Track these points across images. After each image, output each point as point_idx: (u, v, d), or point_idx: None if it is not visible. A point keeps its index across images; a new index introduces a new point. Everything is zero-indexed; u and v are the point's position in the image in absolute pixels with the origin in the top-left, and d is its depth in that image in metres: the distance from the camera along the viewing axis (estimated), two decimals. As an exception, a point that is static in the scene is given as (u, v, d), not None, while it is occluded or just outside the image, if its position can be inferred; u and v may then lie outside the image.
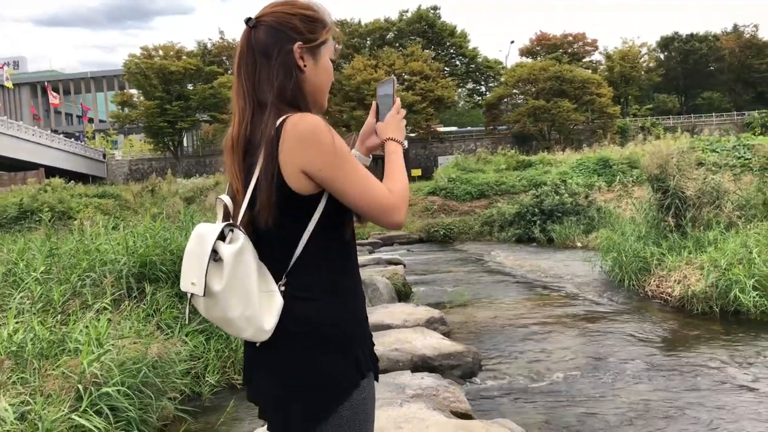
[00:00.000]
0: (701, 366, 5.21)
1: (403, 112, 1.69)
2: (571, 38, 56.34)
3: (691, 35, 60.00)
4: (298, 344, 1.46)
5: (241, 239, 1.45)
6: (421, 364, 5.00)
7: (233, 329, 1.47)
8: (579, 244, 14.66)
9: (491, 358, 5.74)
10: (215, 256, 1.43)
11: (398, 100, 1.68)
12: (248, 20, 1.54)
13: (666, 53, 61.34)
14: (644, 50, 57.60)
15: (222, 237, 1.45)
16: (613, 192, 19.51)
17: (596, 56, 57.95)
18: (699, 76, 59.57)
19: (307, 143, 1.40)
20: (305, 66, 1.53)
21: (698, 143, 23.26)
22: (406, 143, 1.66)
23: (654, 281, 8.05)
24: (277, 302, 1.46)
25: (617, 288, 8.75)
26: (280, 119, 1.43)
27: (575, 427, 4.10)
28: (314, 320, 1.46)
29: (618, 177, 19.83)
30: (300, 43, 1.51)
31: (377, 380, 1.64)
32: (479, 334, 6.70)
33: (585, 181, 20.95)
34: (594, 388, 4.83)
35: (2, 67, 60.23)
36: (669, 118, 52.51)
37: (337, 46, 1.62)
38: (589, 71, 51.81)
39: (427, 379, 4.42)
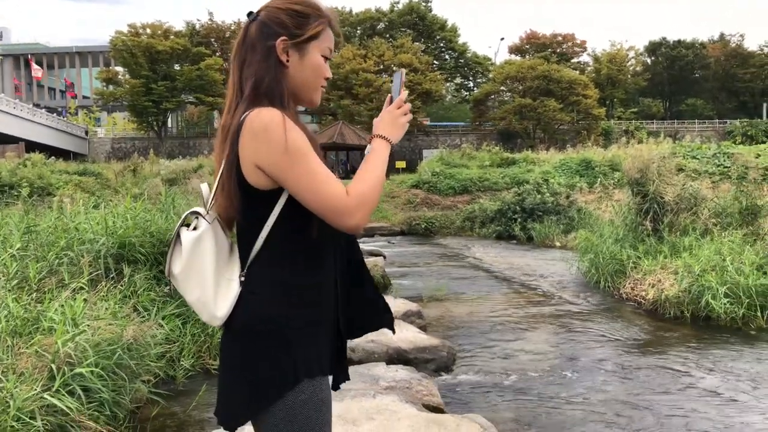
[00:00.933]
0: (670, 369, 5.32)
1: (407, 106, 1.63)
2: (560, 38, 56.67)
3: (679, 41, 60.62)
4: (237, 337, 1.49)
5: (202, 227, 1.51)
6: (396, 357, 5.05)
7: (195, 311, 1.55)
8: (558, 244, 14.81)
9: (466, 353, 5.81)
10: (178, 240, 1.52)
11: (403, 94, 1.63)
12: (250, 14, 1.58)
13: (653, 58, 61.93)
14: (632, 54, 58.16)
15: (188, 224, 1.53)
16: (594, 193, 19.71)
17: (584, 57, 58.48)
18: (684, 82, 60.27)
19: (258, 139, 1.42)
20: (288, 61, 1.54)
21: (680, 149, 23.57)
22: (394, 140, 1.58)
23: (629, 284, 8.17)
24: (233, 291, 1.50)
25: (593, 289, 8.88)
26: (246, 113, 1.46)
27: (544, 424, 4.18)
28: (252, 315, 1.47)
29: (599, 179, 20.07)
30: (284, 37, 1.52)
31: (342, 381, 1.66)
32: (455, 329, 6.77)
33: (567, 182, 21.12)
34: (564, 386, 4.91)
35: (-16, 37, 59.06)
36: (653, 122, 53.09)
37: (333, 39, 1.61)
38: (577, 72, 52.18)
39: (401, 372, 4.47)
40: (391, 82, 1.71)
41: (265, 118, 1.42)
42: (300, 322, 1.48)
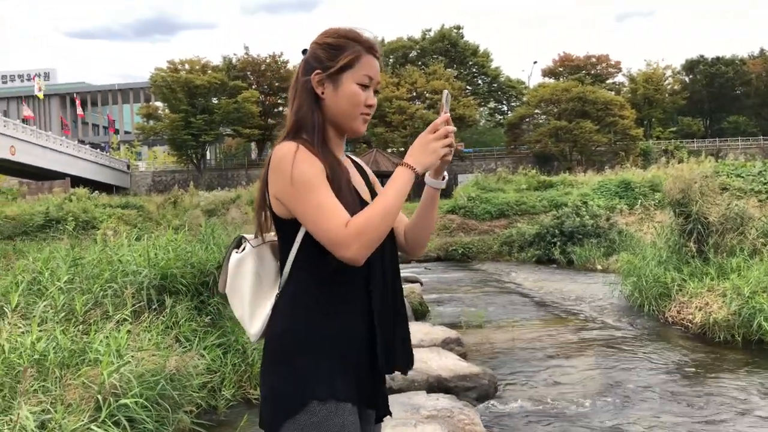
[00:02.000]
0: (723, 395, 5.12)
1: (444, 130, 1.52)
2: (594, 60, 56.31)
3: (717, 58, 59.55)
4: (263, 354, 1.59)
5: (246, 250, 1.64)
6: (437, 385, 4.98)
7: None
8: (599, 267, 14.52)
9: (507, 381, 5.70)
10: (227, 261, 1.67)
11: (442, 117, 1.53)
12: (303, 51, 1.65)
13: (691, 76, 60.89)
14: (669, 73, 57.33)
15: (238, 245, 1.67)
16: (634, 215, 19.33)
17: (620, 78, 57.83)
18: (724, 99, 59.03)
19: (275, 171, 1.51)
20: (323, 93, 1.58)
21: (723, 168, 23.00)
22: (420, 167, 1.49)
23: (675, 307, 7.94)
24: (266, 310, 1.59)
25: (637, 313, 8.65)
26: (277, 145, 1.56)
27: (591, 454, 4.05)
28: (272, 333, 1.57)
29: (640, 200, 19.68)
30: (318, 71, 1.57)
31: (383, 416, 1.64)
32: (496, 356, 6.66)
33: (606, 204, 20.79)
34: (611, 415, 4.77)
35: (33, 78, 61.63)
36: (693, 141, 52.07)
37: (375, 65, 1.59)
38: (613, 93, 51.65)
39: (442, 401, 4.40)
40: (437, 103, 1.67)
41: (280, 152, 1.50)
42: (316, 344, 1.51)
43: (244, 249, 1.65)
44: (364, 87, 1.58)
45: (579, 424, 4.60)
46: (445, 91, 1.59)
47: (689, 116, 60.50)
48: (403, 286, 1.72)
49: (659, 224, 11.08)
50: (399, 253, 1.73)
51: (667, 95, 55.80)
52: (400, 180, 1.47)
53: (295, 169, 1.46)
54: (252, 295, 1.61)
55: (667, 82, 56.91)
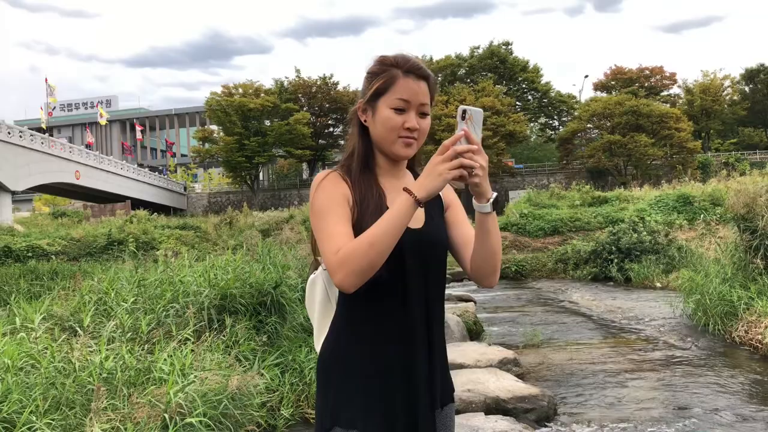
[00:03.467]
0: (797, 420, 4.88)
1: (452, 151, 1.39)
2: (647, 72, 55.03)
3: (779, 66, 57.32)
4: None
5: (318, 272, 1.73)
6: (495, 407, 4.92)
7: None
8: (658, 285, 14.09)
9: (567, 402, 5.58)
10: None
11: (454, 136, 1.42)
12: None
13: (751, 85, 58.76)
14: (727, 83, 55.43)
15: (316, 267, 1.76)
16: (695, 231, 18.70)
17: (675, 90, 56.26)
18: (788, 108, 56.69)
19: (310, 197, 1.61)
20: (365, 121, 1.63)
21: (788, 180, 22.04)
22: (420, 193, 1.40)
23: (742, 327, 7.63)
24: (327, 330, 1.67)
25: (701, 332, 8.34)
26: None
27: (658, 480, 3.92)
28: (320, 352, 1.65)
29: (702, 215, 19.03)
30: (361, 99, 1.64)
31: None
32: (554, 377, 6.52)
33: (664, 219, 20.18)
34: (678, 439, 4.60)
35: (96, 106, 64.44)
36: (755, 152, 50.12)
37: (412, 87, 1.56)
38: (668, 105, 50.31)
39: (501, 423, 4.35)
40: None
41: (315, 180, 1.61)
42: (347, 371, 1.55)
43: (316, 270, 1.74)
44: (400, 111, 1.56)
45: (644, 448, 4.45)
46: (461, 107, 1.45)
47: (750, 127, 58.31)
48: (449, 307, 1.74)
49: (722, 240, 10.69)
50: (448, 273, 1.73)
51: (726, 106, 53.96)
52: (397, 206, 1.41)
53: (315, 197, 1.55)
54: (319, 314, 1.69)
55: (725, 92, 55.02)
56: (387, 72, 1.57)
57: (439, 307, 1.64)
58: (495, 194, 1.48)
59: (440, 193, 1.52)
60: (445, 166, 1.39)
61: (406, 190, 1.41)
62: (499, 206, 1.54)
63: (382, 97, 1.57)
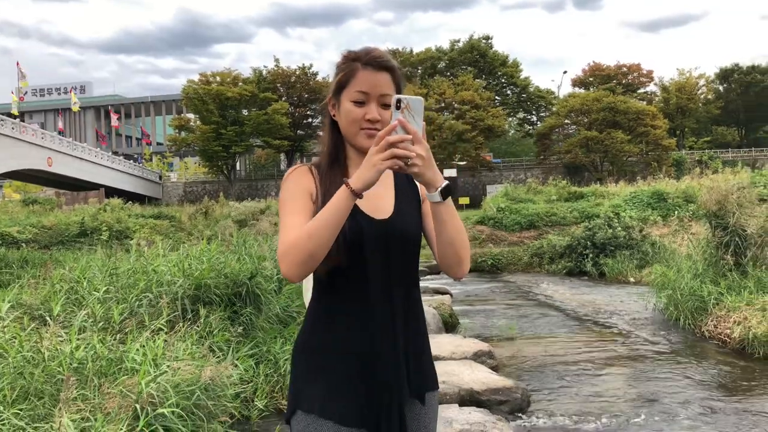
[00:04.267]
0: (762, 412, 4.99)
1: (385, 141, 1.38)
2: (625, 69, 55.64)
3: (753, 67, 58.38)
4: None
5: None
6: (469, 399, 4.95)
7: None
8: (632, 280, 14.29)
9: (540, 394, 5.63)
10: None
11: (391, 125, 1.39)
12: None
13: (725, 85, 59.78)
14: (702, 81, 56.32)
15: None
16: (668, 227, 18.99)
17: (651, 87, 57.00)
18: (761, 108, 57.76)
19: None
20: (334, 115, 1.67)
21: (759, 178, 22.49)
22: (354, 185, 1.39)
23: (711, 321, 7.77)
24: None
25: (672, 327, 8.49)
26: None
27: (628, 471, 3.97)
28: (295, 339, 1.72)
29: (676, 212, 19.33)
30: (329, 96, 1.67)
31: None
32: (528, 370, 6.58)
33: (639, 215, 20.45)
34: (648, 430, 4.68)
35: (70, 92, 63.26)
36: (728, 151, 51.08)
37: (370, 79, 1.56)
38: (644, 102, 50.95)
39: (474, 414, 4.37)
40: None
41: (286, 174, 1.66)
42: (312, 357, 1.59)
43: None
44: (360, 103, 1.57)
45: (614, 440, 4.52)
46: (395, 96, 1.41)
47: (724, 126, 59.36)
48: (425, 299, 1.73)
49: (694, 236, 10.86)
50: (424, 266, 1.71)
51: (700, 104, 54.84)
52: (334, 198, 1.43)
53: (281, 190, 1.61)
54: (309, 298, 1.74)
55: (700, 91, 55.91)
56: (347, 65, 1.59)
57: (408, 296, 1.63)
58: (445, 183, 1.45)
59: (417, 183, 1.56)
60: (378, 157, 1.38)
61: (344, 182, 1.42)
62: (454, 195, 1.55)
63: (343, 90, 1.59)
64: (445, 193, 1.46)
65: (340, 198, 1.41)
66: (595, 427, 4.80)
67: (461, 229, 1.55)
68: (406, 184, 1.70)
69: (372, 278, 1.56)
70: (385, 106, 1.57)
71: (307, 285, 1.75)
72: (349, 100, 1.58)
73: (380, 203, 1.62)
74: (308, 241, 1.41)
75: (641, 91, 56.57)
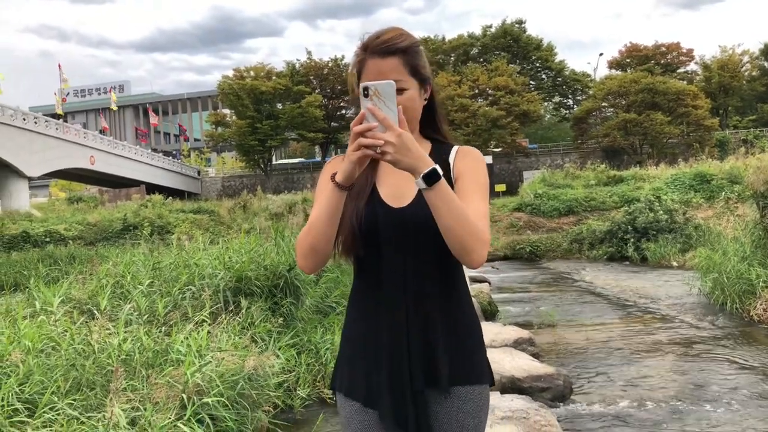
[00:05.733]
0: (816, 398, 4.84)
1: (353, 131, 1.38)
2: (664, 49, 54.09)
3: (799, 41, 56.09)
4: None
5: None
6: (510, 386, 4.92)
7: None
8: (675, 264, 13.99)
9: (583, 381, 5.57)
10: None
11: (360, 115, 1.38)
12: None
13: (771, 61, 57.61)
14: (746, 58, 54.38)
15: None
16: (713, 209, 18.51)
17: (692, 66, 55.29)
18: (808, 84, 55.53)
19: None
20: None
21: (808, 157, 21.70)
22: (340, 178, 1.41)
23: (760, 305, 7.56)
24: None
25: (718, 311, 8.28)
26: None
27: (675, 458, 3.91)
28: None
29: (723, 193, 18.81)
30: (354, 88, 1.64)
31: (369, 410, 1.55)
32: (569, 357, 6.52)
33: (681, 198, 20.00)
34: (693, 419, 4.58)
35: (109, 91, 64.69)
36: (775, 129, 49.31)
37: (373, 67, 1.53)
38: (684, 82, 49.52)
39: (517, 401, 4.34)
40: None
41: None
42: (343, 343, 1.66)
43: None
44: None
45: (658, 426, 4.44)
46: (362, 84, 1.38)
47: (770, 103, 57.30)
48: (469, 285, 1.69)
49: (741, 218, 10.56)
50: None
51: (744, 82, 52.95)
52: (327, 191, 1.45)
53: (319, 178, 1.62)
54: None
55: (744, 68, 53.98)
56: (358, 56, 1.59)
57: (433, 284, 1.56)
58: (431, 167, 1.37)
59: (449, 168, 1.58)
60: (350, 148, 1.37)
61: (332, 176, 1.45)
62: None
63: (359, 82, 1.57)
64: (429, 179, 1.37)
65: (329, 190, 1.45)
66: (640, 414, 4.73)
67: (460, 216, 1.42)
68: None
69: (387, 266, 1.53)
70: (400, 90, 1.51)
71: None
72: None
73: (403, 190, 1.56)
74: (307, 234, 1.48)
75: (681, 70, 54.94)
